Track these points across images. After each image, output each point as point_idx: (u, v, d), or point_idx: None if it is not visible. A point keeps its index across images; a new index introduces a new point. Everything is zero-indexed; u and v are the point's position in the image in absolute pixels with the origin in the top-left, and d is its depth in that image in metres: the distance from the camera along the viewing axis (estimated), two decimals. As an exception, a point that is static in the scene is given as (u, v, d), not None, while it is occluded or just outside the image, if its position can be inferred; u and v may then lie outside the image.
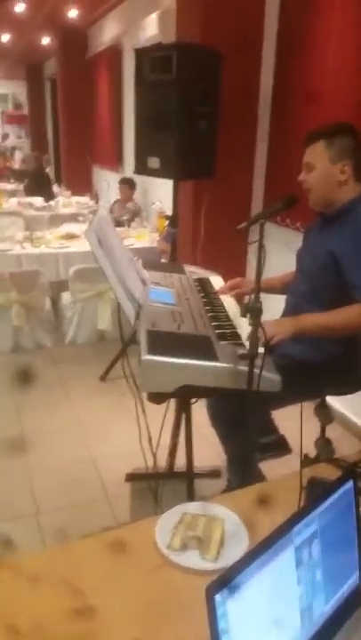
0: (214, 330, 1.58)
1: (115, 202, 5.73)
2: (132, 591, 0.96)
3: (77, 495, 2.28)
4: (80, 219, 4.94)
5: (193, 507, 1.15)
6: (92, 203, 6.48)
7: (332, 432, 2.13)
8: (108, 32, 6.51)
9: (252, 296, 1.27)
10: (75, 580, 0.96)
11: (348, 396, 2.04)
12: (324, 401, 2.06)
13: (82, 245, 4.11)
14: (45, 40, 7.96)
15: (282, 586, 0.77)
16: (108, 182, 6.59)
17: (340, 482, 0.89)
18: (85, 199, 6.62)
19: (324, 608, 0.86)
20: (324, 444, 2.04)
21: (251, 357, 1.24)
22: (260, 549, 0.73)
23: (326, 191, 1.74)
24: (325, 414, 2.06)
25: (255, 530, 1.06)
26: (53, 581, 0.92)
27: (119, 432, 2.80)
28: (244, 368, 1.32)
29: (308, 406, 2.62)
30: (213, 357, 1.35)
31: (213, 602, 0.66)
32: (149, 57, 2.89)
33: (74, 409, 3.01)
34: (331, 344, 1.77)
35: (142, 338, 1.39)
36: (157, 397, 1.43)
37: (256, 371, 1.27)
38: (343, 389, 1.94)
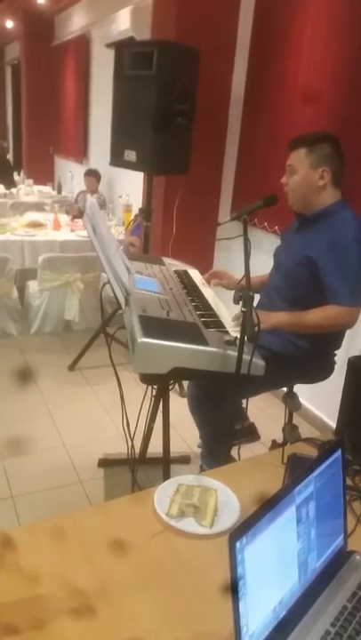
0: (199, 318, 1.67)
1: (80, 193, 5.71)
2: (138, 555, 1.02)
3: (51, 480, 2.30)
4: (46, 208, 4.89)
5: (187, 479, 1.23)
6: (54, 193, 6.41)
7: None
8: (77, 21, 6.45)
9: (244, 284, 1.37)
10: (82, 549, 1.02)
11: (307, 389, 2.18)
12: (291, 390, 2.19)
13: (48, 234, 4.10)
14: (9, 24, 7.79)
15: (286, 540, 0.86)
16: (72, 173, 6.54)
17: (330, 450, 1.00)
18: (47, 188, 6.54)
19: (316, 564, 0.96)
20: (291, 429, 2.17)
21: (242, 341, 1.33)
22: (271, 504, 0.81)
23: (306, 194, 1.86)
24: (293, 402, 2.19)
25: (245, 499, 1.15)
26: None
27: (89, 420, 2.84)
28: (232, 353, 1.40)
29: (268, 397, 2.77)
30: (204, 342, 1.43)
31: (235, 548, 0.74)
32: (130, 52, 2.92)
33: (43, 398, 3.01)
34: (304, 340, 1.89)
35: (135, 322, 1.45)
36: (149, 379, 1.50)
37: (246, 356, 1.36)
38: (312, 380, 2.07)
